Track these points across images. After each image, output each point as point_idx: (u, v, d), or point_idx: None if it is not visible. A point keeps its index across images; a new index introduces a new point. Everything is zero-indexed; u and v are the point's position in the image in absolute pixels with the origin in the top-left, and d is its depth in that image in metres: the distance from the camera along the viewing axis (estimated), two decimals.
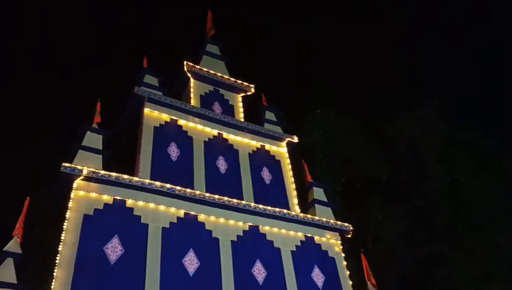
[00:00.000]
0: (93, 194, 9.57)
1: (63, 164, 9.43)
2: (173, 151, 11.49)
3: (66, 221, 8.96)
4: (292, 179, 13.12)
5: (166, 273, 9.21)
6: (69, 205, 9.20)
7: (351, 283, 11.49)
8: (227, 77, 14.14)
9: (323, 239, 12.01)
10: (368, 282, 11.80)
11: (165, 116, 12.04)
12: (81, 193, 9.47)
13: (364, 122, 22.24)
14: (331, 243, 12.08)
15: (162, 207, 10.19)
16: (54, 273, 8.21)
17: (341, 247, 12.17)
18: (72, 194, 9.36)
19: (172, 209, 10.29)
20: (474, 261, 18.01)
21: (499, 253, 17.93)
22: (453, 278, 17.83)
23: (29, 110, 23.15)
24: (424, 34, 30.29)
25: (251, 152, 13.01)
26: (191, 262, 9.71)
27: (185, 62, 13.49)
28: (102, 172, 9.76)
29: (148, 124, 11.58)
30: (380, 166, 21.02)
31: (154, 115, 11.87)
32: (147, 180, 10.23)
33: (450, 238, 18.97)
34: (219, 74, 13.97)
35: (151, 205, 10.09)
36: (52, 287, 8.05)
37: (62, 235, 8.76)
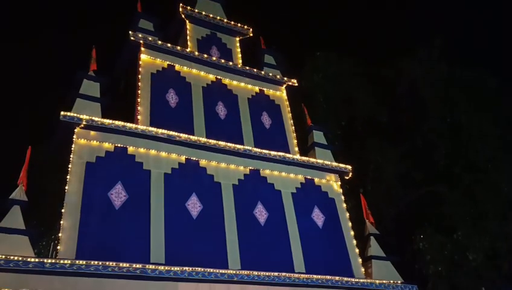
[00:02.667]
0: (94, 142, 9.63)
1: (62, 112, 9.41)
2: (172, 97, 11.41)
3: (69, 169, 9.08)
4: (292, 123, 13.14)
5: (170, 217, 9.47)
6: (71, 154, 9.28)
7: (350, 221, 11.83)
8: (224, 19, 13.75)
9: (323, 181, 12.22)
10: (367, 220, 12.13)
11: (162, 62, 11.85)
12: (82, 141, 9.53)
13: (365, 64, 21.89)
14: (331, 184, 12.30)
15: (163, 153, 10.29)
16: (61, 220, 8.44)
17: (340, 188, 12.41)
18: (73, 143, 9.41)
19: (174, 155, 10.39)
20: (471, 200, 18.39)
21: (496, 192, 18.28)
22: (449, 216, 18.30)
23: (28, 61, 22.76)
24: None
25: (250, 97, 12.93)
26: (194, 206, 9.95)
27: (180, 5, 13.07)
28: (102, 120, 9.76)
29: (145, 70, 11.42)
30: (381, 108, 20.95)
31: (150, 61, 11.68)
32: (147, 127, 10.26)
33: (448, 179, 19.27)
34: (216, 17, 13.58)
35: (153, 152, 10.18)
36: (60, 232, 8.30)
37: (66, 183, 8.90)
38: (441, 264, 17.22)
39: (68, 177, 8.96)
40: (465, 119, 20.04)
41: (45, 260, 7.68)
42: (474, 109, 20.15)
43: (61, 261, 7.71)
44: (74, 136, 9.47)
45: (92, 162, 9.36)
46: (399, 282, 11.05)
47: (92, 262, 7.89)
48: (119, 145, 9.88)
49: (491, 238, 17.21)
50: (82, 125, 9.56)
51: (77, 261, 7.81)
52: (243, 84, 12.99)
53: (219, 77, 12.63)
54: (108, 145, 9.75)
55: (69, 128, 9.50)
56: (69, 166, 9.11)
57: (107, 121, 9.80)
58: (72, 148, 9.34)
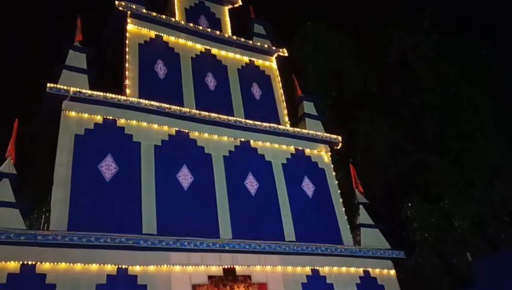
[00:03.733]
0: (82, 114, 9.52)
1: (48, 84, 9.26)
2: (160, 68, 11.26)
3: (58, 142, 9.00)
4: (282, 94, 13.09)
5: (162, 189, 9.50)
6: (59, 126, 9.18)
7: (339, 191, 11.98)
8: None
9: (313, 151, 12.30)
10: (356, 190, 12.31)
11: (150, 32, 11.63)
12: (70, 113, 9.41)
13: (356, 34, 21.71)
14: (321, 155, 12.39)
15: (153, 125, 10.23)
16: (52, 193, 8.42)
17: (330, 158, 12.50)
18: (61, 115, 9.30)
19: (164, 127, 10.35)
20: (459, 168, 18.72)
21: (483, 160, 18.59)
22: (437, 185, 18.65)
23: (13, 32, 22.16)
24: None
25: (240, 68, 12.81)
26: (185, 177, 9.99)
27: None
28: (90, 92, 9.63)
29: (132, 40, 11.20)
30: (371, 79, 20.94)
31: (138, 31, 11.45)
32: (136, 99, 10.16)
33: (437, 148, 19.52)
34: None
35: (142, 124, 10.12)
36: (51, 205, 8.31)
37: (56, 155, 8.84)
38: (428, 231, 17.66)
39: (57, 150, 8.90)
40: (455, 89, 20.14)
41: (37, 232, 7.72)
42: (465, 78, 20.23)
43: (54, 233, 7.74)
44: (62, 109, 9.36)
45: (80, 135, 9.28)
46: (387, 249, 11.32)
47: (85, 234, 7.93)
48: (108, 117, 9.78)
49: (477, 205, 17.63)
50: (69, 97, 9.42)
51: (69, 233, 7.85)
52: (232, 54, 12.84)
53: (208, 48, 12.46)
54: (96, 118, 9.65)
55: (56, 100, 9.37)
56: (58, 139, 9.02)
57: (95, 92, 9.67)
58: (60, 121, 9.23)
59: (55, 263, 7.67)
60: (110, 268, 8.06)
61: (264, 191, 10.81)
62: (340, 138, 12.73)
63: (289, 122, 12.58)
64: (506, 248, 16.21)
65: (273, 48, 13.60)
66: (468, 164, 18.66)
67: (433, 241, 17.66)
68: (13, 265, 7.38)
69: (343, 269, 10.49)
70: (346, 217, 11.59)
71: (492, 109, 19.84)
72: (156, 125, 10.25)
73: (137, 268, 8.27)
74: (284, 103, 12.92)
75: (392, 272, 11.21)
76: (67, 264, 7.75)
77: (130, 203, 9.07)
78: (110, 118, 9.80)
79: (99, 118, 9.68)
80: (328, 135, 12.63)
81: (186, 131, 10.62)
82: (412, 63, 20.99)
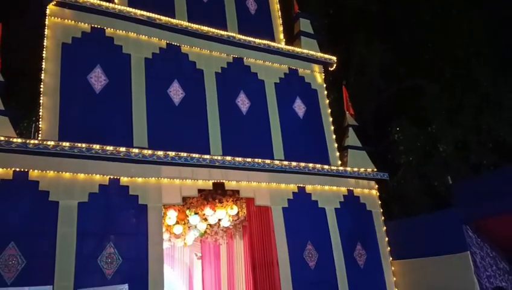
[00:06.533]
0: (69, 22, 9.09)
1: None
2: None
3: (44, 50, 8.70)
4: (278, 9, 12.55)
5: (152, 103, 9.41)
6: (45, 33, 8.81)
7: (330, 112, 11.98)
8: None
9: (307, 71, 12.10)
10: (347, 112, 12.36)
11: None
12: (56, 19, 8.98)
13: None
14: (315, 75, 12.21)
15: (143, 37, 9.86)
16: (41, 102, 8.32)
17: (324, 80, 12.35)
18: (47, 22, 8.89)
19: (154, 39, 9.99)
20: (450, 94, 18.78)
21: (475, 87, 18.59)
22: (426, 109, 18.80)
23: None
24: None
25: None
26: (176, 92, 9.87)
27: None
28: None
29: None
30: None
31: None
32: (126, 8, 9.68)
33: (431, 73, 19.39)
34: None
35: (132, 35, 9.75)
36: (40, 114, 8.25)
37: (43, 64, 8.60)
38: (413, 155, 18.14)
39: (44, 58, 8.63)
40: (457, 12, 19.53)
41: (28, 141, 7.74)
42: (467, 1, 19.52)
43: (45, 143, 7.78)
44: (47, 14, 8.91)
45: (68, 43, 8.94)
46: (372, 170, 11.67)
47: (76, 144, 7.98)
48: (96, 26, 9.37)
49: (463, 131, 17.96)
50: (55, 2, 8.95)
51: (61, 143, 7.89)
52: None
53: None
54: (84, 26, 9.24)
55: (42, 4, 8.90)
56: (44, 46, 8.71)
57: None
58: (46, 28, 8.84)
59: (47, 171, 7.79)
60: (102, 178, 8.24)
61: (255, 110, 10.78)
62: (335, 58, 12.47)
63: (284, 40, 12.20)
64: (486, 172, 16.77)
65: None
66: (459, 91, 18.69)
67: (417, 164, 18.23)
68: (5, 171, 7.49)
69: (328, 187, 10.85)
70: (334, 139, 11.76)
71: (490, 35, 19.43)
72: (146, 37, 9.89)
73: (128, 179, 8.47)
74: (280, 19, 12.43)
75: (375, 191, 11.67)
76: (59, 172, 7.89)
77: (121, 116, 9.02)
78: (99, 26, 9.40)
79: (86, 27, 9.27)
80: (323, 55, 12.34)
81: (178, 44, 10.28)
82: None
